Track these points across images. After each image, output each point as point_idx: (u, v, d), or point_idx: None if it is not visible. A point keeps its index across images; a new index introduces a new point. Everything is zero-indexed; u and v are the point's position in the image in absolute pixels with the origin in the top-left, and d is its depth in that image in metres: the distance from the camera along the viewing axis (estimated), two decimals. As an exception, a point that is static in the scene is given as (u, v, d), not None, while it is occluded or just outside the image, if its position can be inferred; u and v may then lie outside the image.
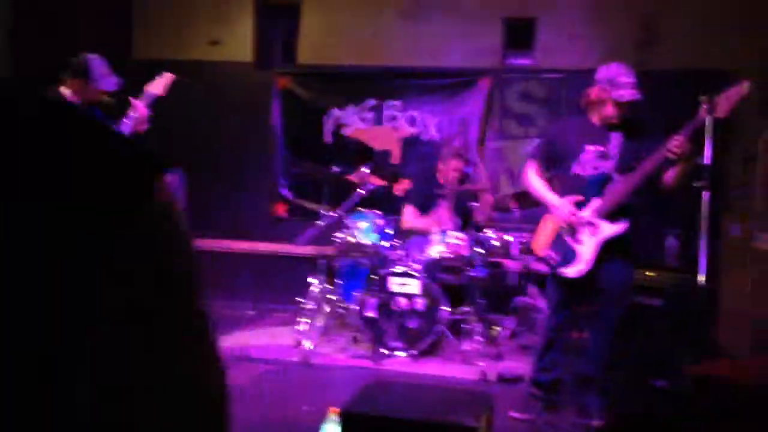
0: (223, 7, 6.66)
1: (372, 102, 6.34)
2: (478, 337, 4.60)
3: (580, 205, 3.55)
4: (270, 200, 6.53)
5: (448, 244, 4.73)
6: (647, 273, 4.42)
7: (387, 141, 6.29)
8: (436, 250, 4.75)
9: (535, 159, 3.78)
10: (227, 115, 6.60)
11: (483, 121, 6.13)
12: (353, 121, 6.37)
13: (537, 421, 3.53)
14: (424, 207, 5.22)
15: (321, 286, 4.92)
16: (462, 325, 4.70)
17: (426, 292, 4.66)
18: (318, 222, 4.92)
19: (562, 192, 3.63)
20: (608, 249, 3.48)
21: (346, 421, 2.67)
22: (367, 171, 4.87)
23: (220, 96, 6.62)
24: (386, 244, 4.80)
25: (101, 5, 6.30)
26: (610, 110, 3.49)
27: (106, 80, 4.12)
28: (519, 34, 6.16)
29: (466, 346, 4.57)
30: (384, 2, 6.38)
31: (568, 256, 3.54)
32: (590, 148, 3.54)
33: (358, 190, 4.85)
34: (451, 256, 4.70)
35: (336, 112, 6.39)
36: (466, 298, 4.80)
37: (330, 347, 4.79)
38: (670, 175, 3.44)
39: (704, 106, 2.92)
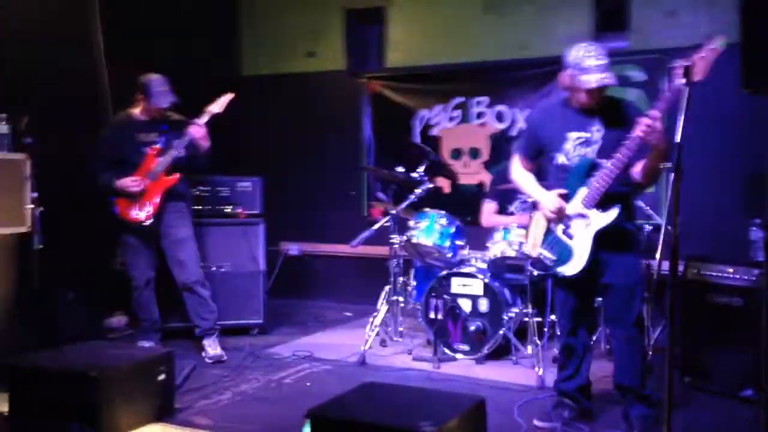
0: (318, 19, 6.87)
1: (459, 100, 6.22)
2: (540, 342, 4.33)
3: (566, 198, 3.27)
4: (368, 203, 6.63)
5: (510, 242, 4.53)
6: (728, 269, 3.93)
7: (475, 138, 6.15)
8: (498, 248, 4.57)
9: (519, 151, 3.56)
10: (324, 123, 6.81)
11: (574, 111, 5.78)
12: (440, 121, 6.29)
13: (557, 430, 3.28)
14: (504, 205, 5.04)
15: (390, 288, 4.92)
16: (533, 328, 4.46)
17: (489, 292, 4.50)
18: (375, 224, 4.91)
19: (549, 184, 3.39)
20: (605, 241, 3.18)
21: (314, 422, 2.67)
22: (422, 171, 4.79)
23: (317, 104, 6.84)
24: (447, 243, 4.67)
25: (213, 24, 6.77)
26: (582, 96, 3.19)
27: (161, 98, 4.43)
28: (611, 16, 5.77)
29: (534, 350, 4.33)
30: (467, -1, 6.27)
31: (563, 254, 3.27)
32: (572, 135, 3.26)
33: (415, 190, 4.78)
34: (514, 254, 4.49)
35: (424, 112, 6.35)
36: (538, 298, 4.56)
37: (397, 349, 4.79)
38: (637, 169, 3.12)
39: (676, 72, 2.55)
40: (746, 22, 4.18)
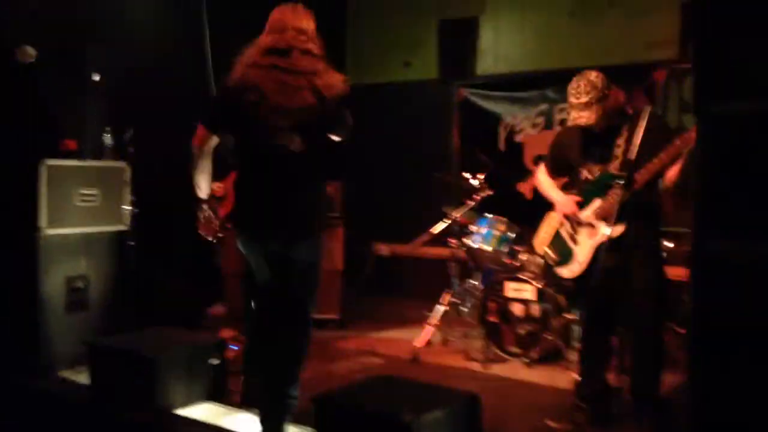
0: (415, 30, 7.20)
1: (543, 107, 6.31)
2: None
3: (582, 206, 3.43)
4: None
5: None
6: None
7: (557, 145, 6.21)
8: (551, 256, 4.67)
9: (544, 162, 3.77)
10: (418, 130, 7.11)
11: (657, 117, 5.69)
12: (524, 128, 6.40)
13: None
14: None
15: (451, 289, 5.16)
16: (574, 334, 4.54)
17: (541, 298, 4.62)
18: (434, 227, 5.16)
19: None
20: (623, 251, 3.25)
21: (318, 405, 3.01)
22: (482, 178, 4.98)
23: (412, 112, 7.15)
24: (506, 249, 4.83)
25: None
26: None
27: None
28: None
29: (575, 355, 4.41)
30: (554, 5, 6.32)
31: (565, 256, 3.48)
32: (593, 150, 3.39)
33: (473, 196, 4.99)
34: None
35: (509, 120, 6.49)
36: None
37: (455, 348, 5.02)
38: (668, 176, 3.13)
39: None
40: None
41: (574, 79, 3.33)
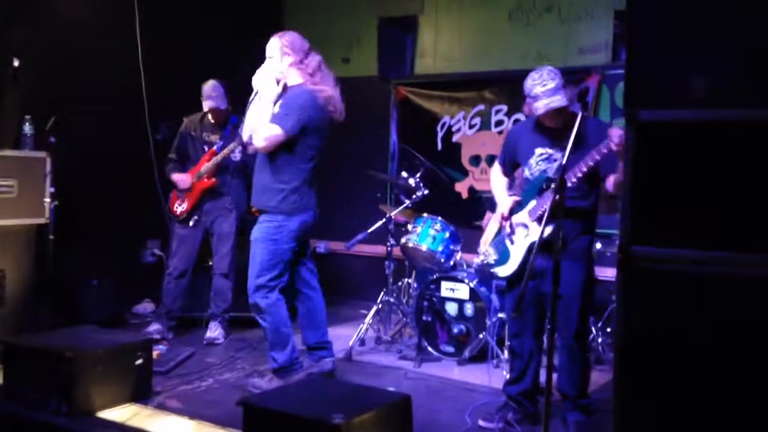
0: (354, 27, 7.13)
1: (480, 107, 6.33)
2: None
3: (520, 207, 3.46)
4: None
5: (497, 250, 4.64)
6: None
7: (493, 146, 6.24)
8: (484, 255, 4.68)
9: (499, 160, 3.75)
10: (355, 127, 7.01)
11: (590, 120, 5.79)
12: (461, 128, 6.42)
13: (496, 430, 3.40)
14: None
15: (388, 288, 5.12)
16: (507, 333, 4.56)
17: (474, 297, 4.63)
18: (370, 226, 5.12)
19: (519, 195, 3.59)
20: (553, 253, 3.26)
21: (245, 410, 2.92)
22: (417, 178, 4.96)
23: (349, 109, 7.05)
24: (440, 248, 4.82)
25: (257, 30, 7.09)
26: (544, 120, 3.33)
27: (205, 102, 4.88)
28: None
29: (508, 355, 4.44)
30: (493, 7, 6.35)
31: (503, 256, 3.52)
32: (537, 150, 3.41)
33: (410, 195, 4.97)
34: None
35: (447, 119, 6.49)
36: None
37: (389, 347, 4.99)
38: (609, 183, 3.18)
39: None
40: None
41: (532, 74, 3.30)
